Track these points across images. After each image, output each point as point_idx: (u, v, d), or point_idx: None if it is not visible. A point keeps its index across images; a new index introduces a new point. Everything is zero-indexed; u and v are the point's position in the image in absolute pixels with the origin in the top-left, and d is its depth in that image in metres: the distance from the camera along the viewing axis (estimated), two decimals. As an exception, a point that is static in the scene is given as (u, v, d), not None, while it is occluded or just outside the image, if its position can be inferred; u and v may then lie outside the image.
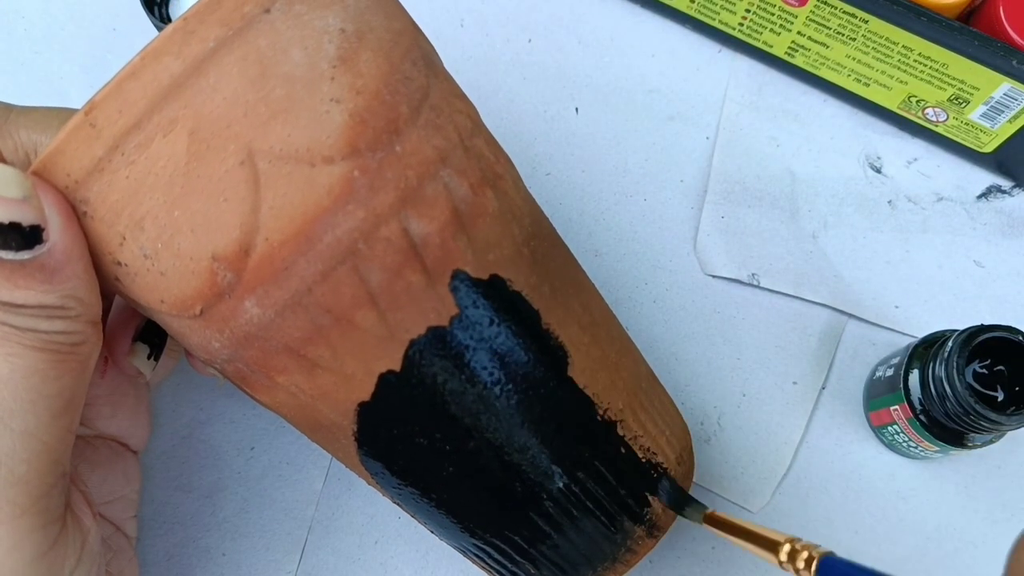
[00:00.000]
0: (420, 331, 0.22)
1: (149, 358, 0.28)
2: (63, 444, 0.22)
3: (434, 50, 0.25)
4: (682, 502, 0.27)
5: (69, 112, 0.24)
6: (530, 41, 0.42)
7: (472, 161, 0.23)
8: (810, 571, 0.22)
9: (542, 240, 0.25)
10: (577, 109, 0.41)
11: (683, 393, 0.37)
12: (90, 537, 0.24)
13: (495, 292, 0.23)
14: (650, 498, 0.27)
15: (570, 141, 0.40)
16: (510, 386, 0.24)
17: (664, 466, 0.27)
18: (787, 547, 0.23)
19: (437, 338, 0.23)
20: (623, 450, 0.26)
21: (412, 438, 0.24)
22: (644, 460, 0.27)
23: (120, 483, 0.30)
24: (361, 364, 0.23)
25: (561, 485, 0.25)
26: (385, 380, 0.23)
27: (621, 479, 0.26)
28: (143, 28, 0.39)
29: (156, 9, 0.38)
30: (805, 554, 0.22)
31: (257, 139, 0.20)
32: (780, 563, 0.23)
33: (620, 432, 0.26)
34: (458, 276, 0.22)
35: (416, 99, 0.22)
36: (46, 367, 0.21)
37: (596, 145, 0.40)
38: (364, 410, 0.24)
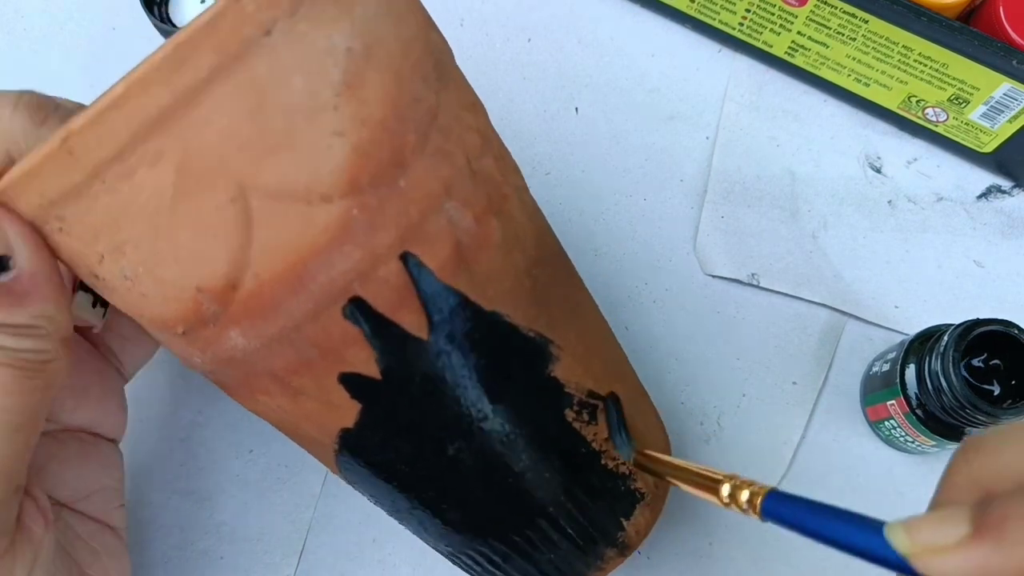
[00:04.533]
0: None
1: (95, 306, 0.27)
2: (18, 460, 0.22)
3: (447, 48, 0.23)
4: (622, 437, 0.26)
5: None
6: (530, 41, 0.42)
7: (479, 187, 0.21)
8: (755, 508, 0.20)
9: (545, 266, 0.25)
10: (577, 109, 0.41)
11: (683, 393, 0.37)
12: (42, 549, 0.24)
13: (492, 329, 0.22)
14: (625, 523, 0.27)
15: (570, 141, 0.40)
16: (499, 420, 0.23)
17: (643, 491, 0.27)
18: (728, 485, 0.22)
19: (428, 374, 0.22)
20: (605, 479, 0.26)
21: (394, 464, 0.24)
22: (623, 488, 0.27)
23: (97, 475, 0.29)
24: (346, 395, 0.22)
25: (542, 512, 0.25)
26: (370, 410, 0.23)
27: (600, 507, 0.26)
28: (143, 28, 0.38)
29: (156, 9, 0.38)
30: (748, 491, 0.21)
31: (250, 176, 0.18)
32: (722, 502, 0.22)
33: (603, 462, 0.26)
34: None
35: (425, 123, 0.20)
36: (9, 384, 0.20)
37: (596, 145, 0.40)
38: (346, 435, 0.23)
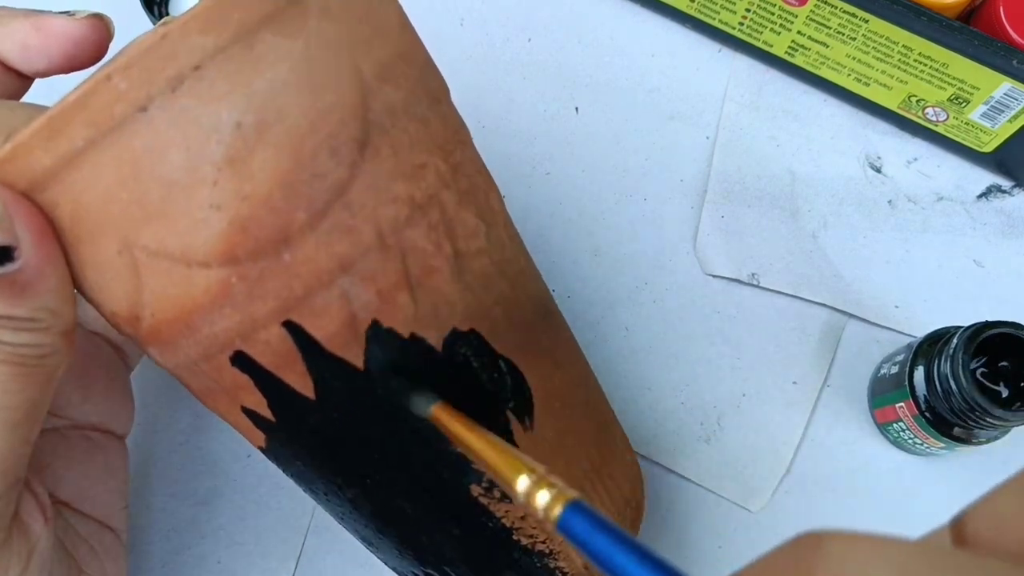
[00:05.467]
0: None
1: None
2: (17, 455, 0.21)
3: (403, 103, 0.21)
4: (403, 388, 0.22)
5: (30, 107, 0.23)
6: (530, 40, 0.42)
7: (391, 262, 0.20)
8: (549, 515, 0.18)
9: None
10: (577, 108, 0.41)
11: (683, 393, 0.37)
12: (39, 545, 0.23)
13: (387, 400, 0.22)
14: None
15: (570, 140, 0.40)
16: (389, 484, 0.23)
17: (565, 571, 0.26)
18: (526, 478, 0.18)
19: (318, 430, 0.22)
20: (518, 555, 0.25)
21: (310, 484, 0.25)
22: (539, 565, 0.26)
23: (102, 476, 0.29)
24: (249, 426, 0.23)
25: (449, 565, 0.25)
26: (274, 441, 0.23)
27: None
28: (143, 28, 0.38)
29: (156, 9, 0.37)
30: (548, 492, 0.18)
31: (132, 235, 0.19)
32: (517, 496, 0.18)
33: (516, 538, 0.25)
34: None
35: (322, 200, 0.19)
36: (7, 380, 0.20)
37: (596, 145, 0.40)
38: (264, 451, 0.24)
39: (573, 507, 0.17)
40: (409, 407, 0.22)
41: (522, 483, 0.18)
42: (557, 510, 0.17)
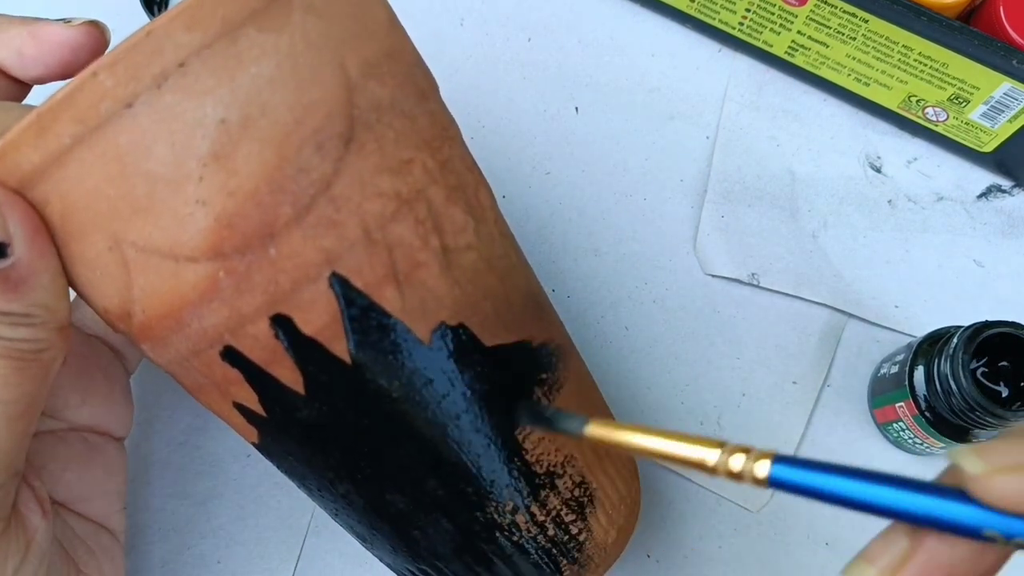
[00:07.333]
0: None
1: None
2: (16, 447, 0.22)
3: (389, 99, 0.21)
4: (554, 421, 0.23)
5: (23, 108, 0.23)
6: (530, 40, 0.42)
7: (377, 256, 0.21)
8: (752, 475, 0.18)
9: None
10: (577, 108, 0.41)
11: (683, 393, 0.37)
12: (37, 537, 0.24)
13: (375, 393, 0.22)
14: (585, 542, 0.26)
15: (570, 140, 0.40)
16: (381, 476, 0.24)
17: (561, 562, 0.26)
18: (718, 451, 0.18)
19: (309, 424, 0.22)
20: (507, 550, 0.25)
21: (303, 479, 0.25)
22: (531, 562, 0.26)
23: (100, 478, 0.29)
24: (241, 422, 0.23)
25: (440, 559, 0.25)
26: (266, 436, 0.23)
27: (557, 528, 0.25)
28: (140, 26, 0.38)
29: (156, 9, 0.38)
30: (742, 456, 0.18)
31: (121, 231, 0.19)
32: (711, 469, 0.18)
33: (508, 532, 0.25)
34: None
35: (308, 194, 0.19)
36: (6, 373, 0.20)
37: (596, 145, 0.40)
38: (258, 447, 0.24)
39: (779, 462, 0.18)
40: (559, 430, 0.22)
41: (712, 457, 0.18)
42: (767, 468, 0.18)
